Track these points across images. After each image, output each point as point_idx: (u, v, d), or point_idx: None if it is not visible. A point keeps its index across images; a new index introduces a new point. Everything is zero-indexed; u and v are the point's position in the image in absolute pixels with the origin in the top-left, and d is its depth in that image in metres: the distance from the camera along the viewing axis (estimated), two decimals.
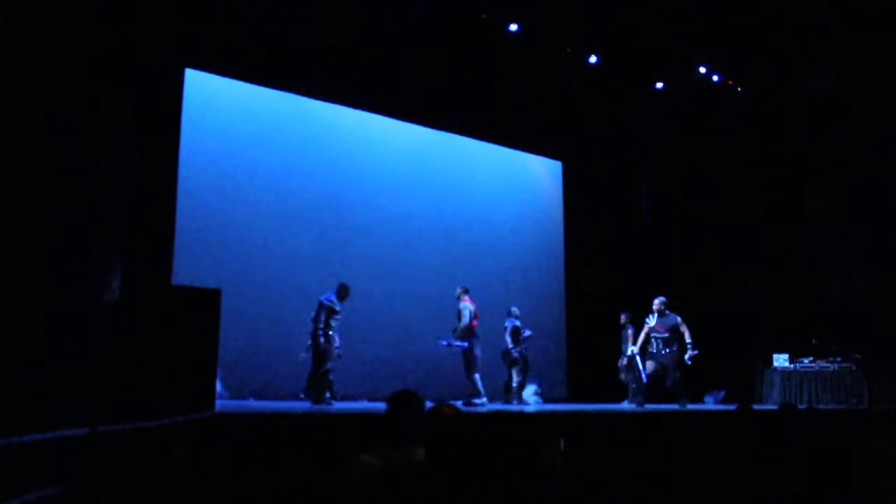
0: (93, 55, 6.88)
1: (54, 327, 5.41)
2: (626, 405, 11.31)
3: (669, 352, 10.93)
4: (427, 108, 12.87)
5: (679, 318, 11.07)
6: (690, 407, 11.00)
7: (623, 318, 11.92)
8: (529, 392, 11.96)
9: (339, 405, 9.70)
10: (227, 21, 10.19)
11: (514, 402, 10.86)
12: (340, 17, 10.98)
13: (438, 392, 10.39)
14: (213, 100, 11.03)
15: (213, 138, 10.96)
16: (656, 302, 11.14)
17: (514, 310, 11.27)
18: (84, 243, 6.64)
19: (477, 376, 9.97)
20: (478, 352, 10.00)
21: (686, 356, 10.92)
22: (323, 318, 9.21)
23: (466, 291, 10.23)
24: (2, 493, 3.40)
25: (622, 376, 11.92)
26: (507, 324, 11.08)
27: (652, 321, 11.07)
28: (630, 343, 11.50)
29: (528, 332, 11.28)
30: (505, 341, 10.99)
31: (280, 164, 11.68)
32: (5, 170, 5.99)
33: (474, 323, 10.02)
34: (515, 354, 11.00)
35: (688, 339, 10.90)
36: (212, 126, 10.96)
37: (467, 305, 10.07)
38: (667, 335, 10.98)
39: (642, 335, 11.21)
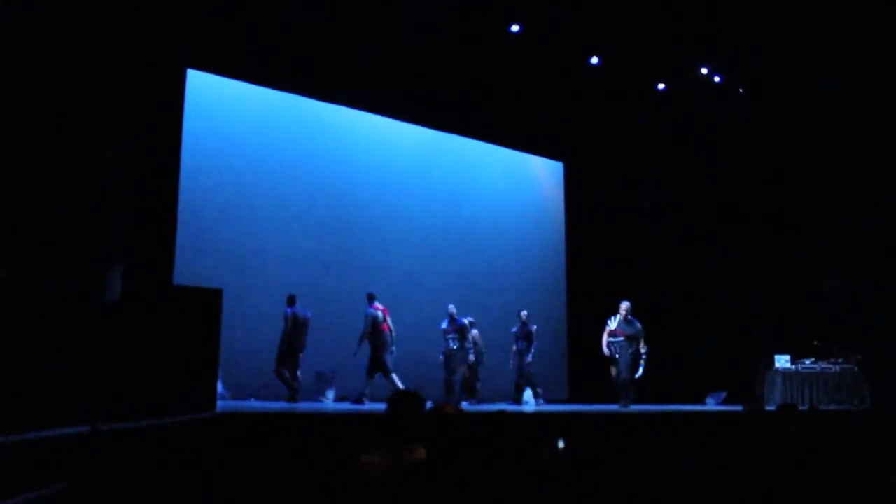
0: (95, 56, 6.88)
1: (56, 326, 5.42)
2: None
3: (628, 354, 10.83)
4: (429, 110, 12.88)
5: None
6: (693, 408, 10.98)
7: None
8: (529, 394, 11.94)
9: (339, 406, 9.71)
10: (228, 22, 10.20)
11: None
12: (342, 19, 10.99)
13: (439, 392, 10.40)
14: (214, 100, 11.04)
15: (214, 139, 10.97)
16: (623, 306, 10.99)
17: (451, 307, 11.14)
18: (86, 243, 6.65)
19: (393, 376, 9.91)
20: (386, 356, 9.98)
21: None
22: None
23: (372, 298, 10.28)
24: (4, 491, 3.40)
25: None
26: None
27: (613, 324, 10.95)
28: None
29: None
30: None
31: (282, 165, 11.68)
32: (8, 170, 6.00)
33: (384, 327, 10.04)
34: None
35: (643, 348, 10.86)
36: (213, 127, 10.97)
37: (371, 311, 10.11)
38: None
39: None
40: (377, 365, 9.92)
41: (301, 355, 9.95)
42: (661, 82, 13.89)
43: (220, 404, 6.91)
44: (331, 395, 10.59)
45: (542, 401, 11.73)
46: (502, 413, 3.52)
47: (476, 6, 11.48)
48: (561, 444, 3.14)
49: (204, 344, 6.37)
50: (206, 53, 10.40)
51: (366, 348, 10.00)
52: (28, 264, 5.98)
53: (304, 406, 9.20)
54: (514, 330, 11.69)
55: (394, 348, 10.08)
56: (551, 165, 15.22)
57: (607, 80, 13.38)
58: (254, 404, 9.41)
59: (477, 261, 13.53)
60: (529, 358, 11.48)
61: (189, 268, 9.76)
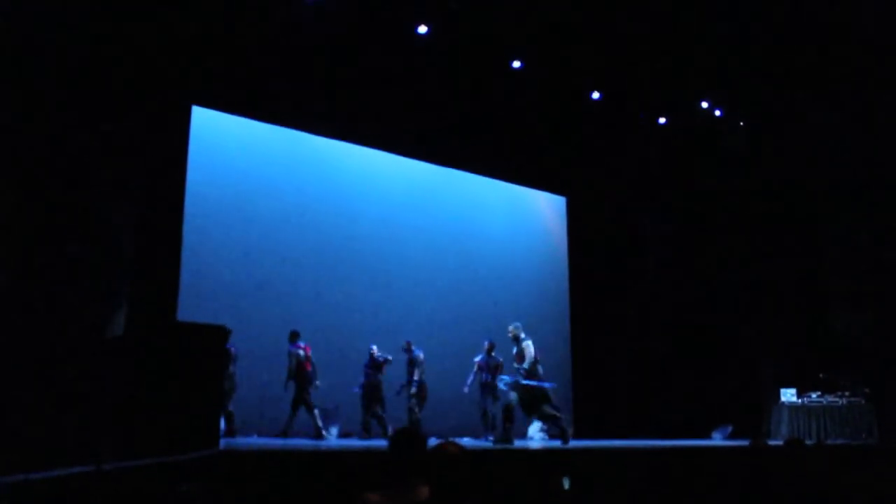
0: (102, 94, 6.97)
1: (59, 363, 5.42)
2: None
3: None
4: (432, 145, 12.97)
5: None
6: (699, 442, 10.88)
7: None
8: (535, 429, 11.82)
9: (343, 442, 9.65)
10: (233, 61, 10.32)
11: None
12: (347, 57, 11.12)
13: (441, 429, 10.31)
14: (219, 137, 11.13)
15: (218, 175, 11.04)
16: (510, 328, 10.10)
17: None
18: (89, 280, 6.67)
19: (316, 412, 10.01)
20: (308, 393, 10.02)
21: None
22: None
23: (295, 337, 10.21)
24: None
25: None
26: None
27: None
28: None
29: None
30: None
31: (285, 202, 11.73)
32: (14, 207, 6.04)
33: (306, 366, 10.03)
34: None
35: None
36: (218, 163, 11.05)
37: (293, 350, 10.07)
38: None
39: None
40: (300, 401, 9.98)
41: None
42: (662, 116, 14.00)
43: (223, 441, 6.87)
44: (335, 430, 10.54)
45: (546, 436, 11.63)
46: (506, 451, 3.50)
47: (478, 43, 11.61)
48: (566, 484, 3.12)
49: (207, 381, 6.35)
50: (210, 91, 10.51)
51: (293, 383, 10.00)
52: (32, 301, 5.99)
53: (307, 443, 9.14)
54: (476, 359, 10.68)
55: (318, 383, 10.12)
56: (554, 200, 15.28)
57: (609, 114, 13.49)
58: (257, 441, 9.35)
59: (480, 295, 13.51)
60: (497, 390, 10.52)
61: (192, 304, 9.76)
